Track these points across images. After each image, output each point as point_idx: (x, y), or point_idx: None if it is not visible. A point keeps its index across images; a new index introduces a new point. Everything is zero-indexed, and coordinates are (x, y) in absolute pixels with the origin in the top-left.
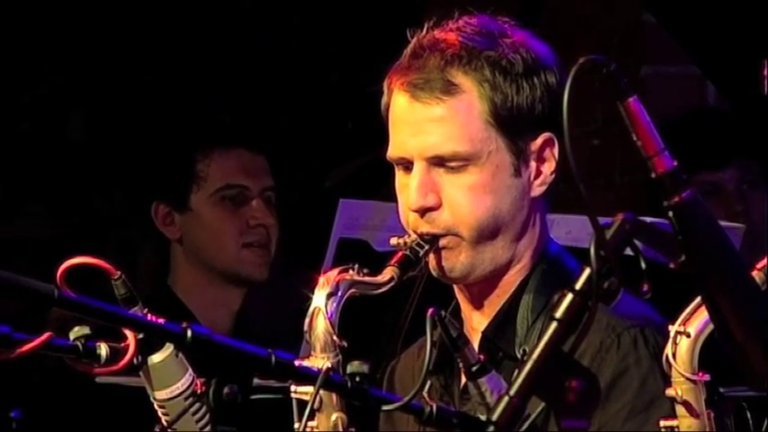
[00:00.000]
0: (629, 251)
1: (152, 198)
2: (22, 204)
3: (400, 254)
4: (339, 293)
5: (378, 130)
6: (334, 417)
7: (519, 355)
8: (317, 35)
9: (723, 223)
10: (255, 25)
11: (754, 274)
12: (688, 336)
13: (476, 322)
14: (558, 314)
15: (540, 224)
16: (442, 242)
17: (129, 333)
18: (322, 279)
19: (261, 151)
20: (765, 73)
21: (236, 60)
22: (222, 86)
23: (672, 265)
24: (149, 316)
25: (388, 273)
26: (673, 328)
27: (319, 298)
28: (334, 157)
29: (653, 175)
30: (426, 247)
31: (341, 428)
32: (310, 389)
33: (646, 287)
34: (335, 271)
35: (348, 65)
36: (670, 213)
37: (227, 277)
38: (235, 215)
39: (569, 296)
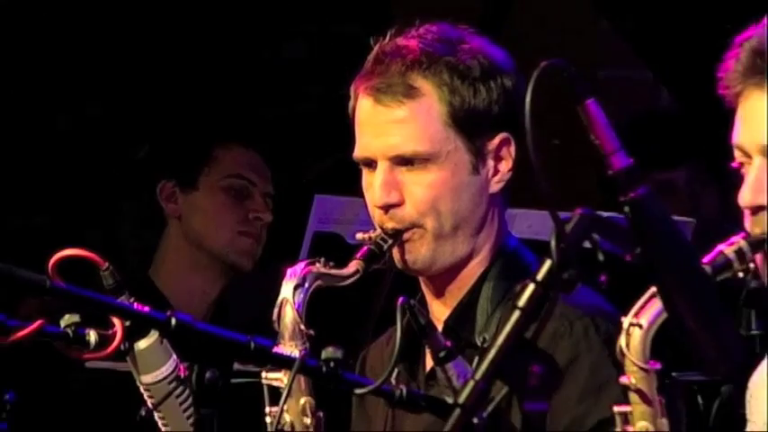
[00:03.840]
0: (587, 244)
1: (161, 174)
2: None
3: (365, 248)
4: (306, 285)
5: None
6: (302, 400)
7: (479, 343)
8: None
9: (675, 218)
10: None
11: (705, 265)
12: (640, 327)
13: (438, 312)
14: (521, 303)
15: (498, 219)
16: (406, 236)
17: (116, 321)
18: (289, 271)
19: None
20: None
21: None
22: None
23: (627, 258)
24: (136, 304)
25: (354, 266)
26: (626, 320)
27: (287, 289)
28: (311, 155)
29: (610, 173)
30: (390, 241)
31: (309, 412)
32: (281, 375)
33: (602, 278)
34: (302, 264)
35: (326, 71)
36: (626, 208)
37: (215, 260)
38: (237, 205)
39: (531, 286)
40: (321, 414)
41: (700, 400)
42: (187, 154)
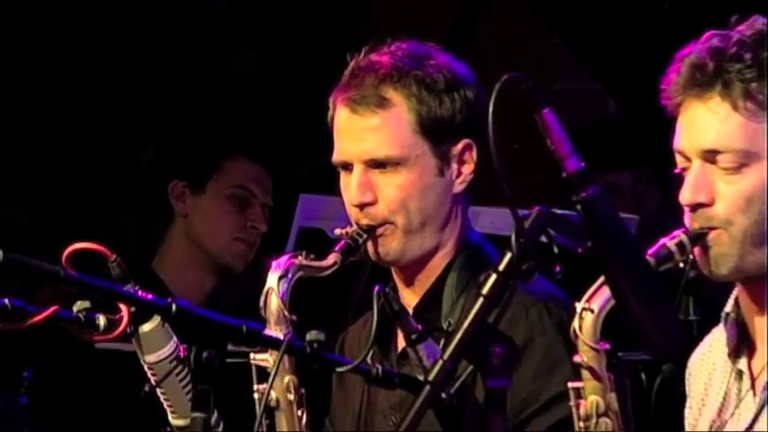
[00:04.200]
0: (543, 238)
1: (174, 175)
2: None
3: (343, 242)
4: (289, 276)
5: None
6: (286, 379)
7: (445, 327)
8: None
9: (622, 215)
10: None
11: (648, 257)
12: (592, 311)
13: (409, 299)
14: (484, 291)
15: (462, 216)
16: (379, 231)
17: (123, 307)
18: (275, 263)
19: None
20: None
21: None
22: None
23: (579, 251)
24: (140, 292)
25: (332, 258)
26: (579, 306)
27: (272, 280)
28: (296, 159)
29: (564, 175)
30: (365, 236)
31: (293, 389)
32: (267, 356)
33: (557, 269)
34: (286, 256)
35: (310, 85)
36: (578, 206)
37: (210, 260)
38: (238, 213)
39: (493, 276)
40: (303, 391)
41: (643, 377)
42: (201, 160)
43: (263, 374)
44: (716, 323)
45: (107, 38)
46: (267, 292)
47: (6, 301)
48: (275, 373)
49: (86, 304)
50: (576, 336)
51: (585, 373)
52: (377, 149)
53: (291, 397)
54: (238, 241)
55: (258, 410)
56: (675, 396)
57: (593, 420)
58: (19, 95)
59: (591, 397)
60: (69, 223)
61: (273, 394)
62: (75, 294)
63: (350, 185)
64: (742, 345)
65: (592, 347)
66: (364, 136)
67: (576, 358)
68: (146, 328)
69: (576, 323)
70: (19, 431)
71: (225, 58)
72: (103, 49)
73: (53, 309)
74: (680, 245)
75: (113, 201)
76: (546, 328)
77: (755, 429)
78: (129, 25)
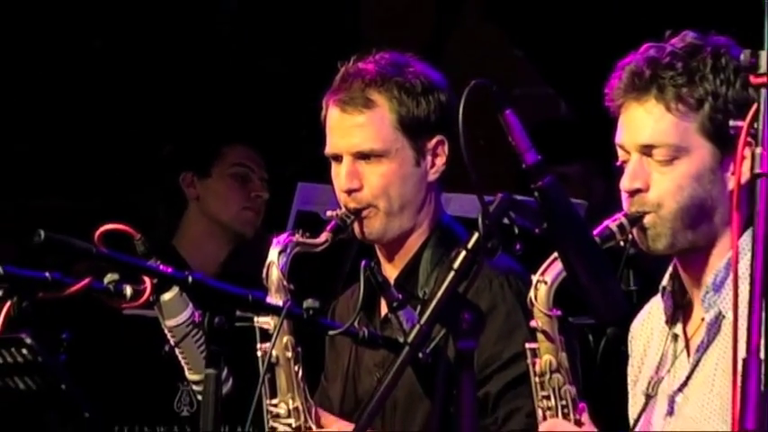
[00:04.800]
0: (506, 221)
1: (183, 167)
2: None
3: (333, 222)
4: (288, 251)
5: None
6: (285, 339)
7: (422, 296)
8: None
9: (572, 201)
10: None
11: (595, 236)
12: (546, 283)
13: (390, 272)
14: (455, 265)
15: (435, 201)
16: (364, 213)
17: (146, 279)
18: (275, 240)
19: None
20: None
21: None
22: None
23: (536, 231)
24: (161, 266)
25: (324, 236)
26: (535, 278)
27: (273, 254)
28: (295, 152)
29: (523, 166)
30: (352, 217)
31: (290, 347)
32: (268, 319)
33: (517, 246)
34: (285, 234)
35: (308, 85)
36: (535, 193)
37: (225, 230)
38: (241, 187)
39: (463, 253)
40: (299, 349)
41: (591, 339)
42: (203, 151)
43: (264, 335)
44: (653, 292)
45: (128, 48)
46: (269, 265)
47: (47, 273)
48: (277, 335)
49: (115, 276)
50: (533, 304)
51: (540, 336)
52: (363, 143)
53: (289, 354)
54: (246, 210)
55: (261, 366)
56: (618, 356)
57: (547, 376)
58: (64, 102)
59: (545, 356)
60: (101, 208)
61: (274, 352)
62: (106, 268)
63: (339, 174)
64: (677, 312)
65: (546, 314)
66: (352, 132)
67: (532, 323)
68: (166, 297)
69: (532, 293)
70: (58, 384)
71: (230, 63)
72: (122, 59)
73: (87, 280)
74: (620, 226)
75: (139, 188)
76: (506, 297)
77: (690, 384)
78: (149, 35)
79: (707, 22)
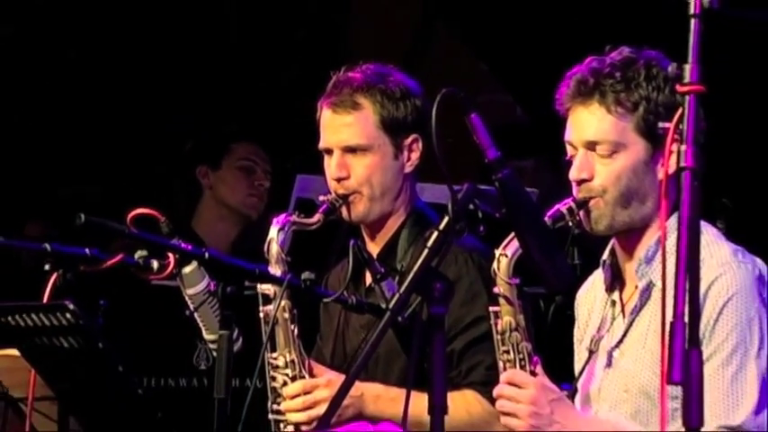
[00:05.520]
0: (471, 206)
1: (199, 162)
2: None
3: (324, 206)
4: (286, 229)
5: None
6: (283, 303)
7: (400, 269)
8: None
9: (526, 189)
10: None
11: (546, 219)
12: (506, 256)
13: (372, 249)
14: (429, 244)
15: (411, 189)
16: (350, 198)
17: (170, 254)
18: (275, 220)
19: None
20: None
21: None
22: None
23: (497, 215)
24: (182, 244)
25: (316, 217)
26: (497, 252)
27: (273, 232)
28: (294, 148)
29: (486, 161)
30: (340, 201)
31: (287, 310)
32: (269, 286)
33: (481, 228)
34: (284, 215)
35: (304, 93)
36: (496, 183)
37: (234, 213)
38: (247, 177)
39: (435, 233)
40: (295, 311)
41: (542, 305)
42: (215, 148)
43: (266, 299)
44: (595, 266)
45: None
46: (269, 241)
47: (87, 250)
48: (279, 301)
49: (144, 253)
50: (495, 273)
51: (502, 300)
52: (350, 139)
53: (287, 315)
54: (251, 196)
55: (263, 326)
56: (565, 319)
57: (508, 334)
58: (96, 100)
59: (505, 317)
60: (132, 195)
61: (273, 313)
62: (136, 245)
63: (330, 165)
64: (615, 282)
65: (507, 282)
66: (342, 130)
67: (495, 289)
68: (186, 269)
69: (495, 264)
70: (96, 343)
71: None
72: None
73: (120, 256)
74: (570, 209)
75: (165, 178)
76: (470, 270)
77: (625, 341)
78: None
79: (640, 38)
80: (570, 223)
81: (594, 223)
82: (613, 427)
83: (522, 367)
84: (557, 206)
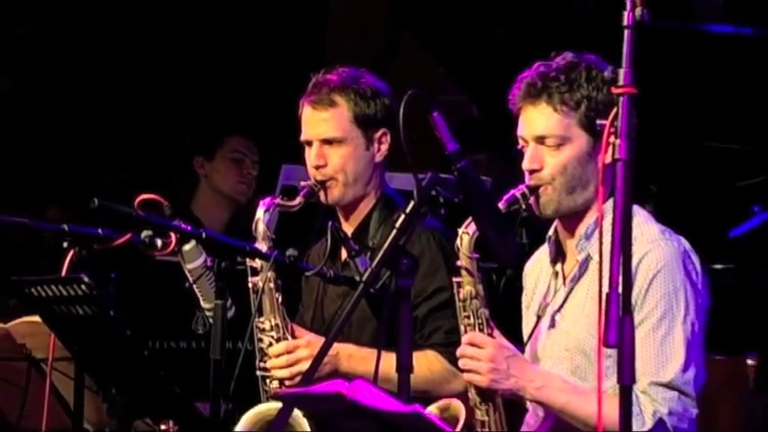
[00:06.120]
0: (433, 192)
1: (196, 154)
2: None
3: (305, 190)
4: (271, 210)
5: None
6: (269, 275)
7: (371, 246)
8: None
9: (482, 178)
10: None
11: (501, 203)
12: (468, 234)
13: (347, 229)
14: (397, 225)
15: (380, 177)
16: (327, 184)
17: (172, 234)
18: (261, 202)
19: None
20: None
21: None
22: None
23: (456, 200)
24: (183, 225)
25: (298, 200)
26: (460, 230)
27: (260, 213)
28: (280, 141)
29: (446, 153)
30: (319, 186)
31: (272, 280)
32: (258, 261)
33: (442, 211)
34: (269, 198)
35: (288, 93)
36: (455, 173)
37: (226, 198)
38: (237, 167)
39: (402, 215)
40: (279, 282)
41: (494, 277)
42: (210, 142)
43: (254, 272)
44: (540, 244)
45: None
46: (256, 221)
47: (99, 230)
48: (266, 273)
49: (149, 232)
50: (458, 249)
51: (463, 272)
52: (328, 132)
53: (272, 286)
54: (241, 183)
55: (252, 295)
56: (515, 289)
57: (468, 302)
58: (106, 101)
59: (467, 287)
60: (139, 182)
61: (260, 284)
62: (143, 226)
63: (310, 155)
64: (558, 256)
65: (468, 256)
66: (320, 124)
67: (458, 263)
68: (186, 247)
69: (458, 241)
70: (108, 311)
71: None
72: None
73: (128, 235)
74: (523, 194)
75: (168, 168)
76: (431, 247)
77: (566, 306)
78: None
79: (581, 44)
80: (523, 206)
81: (543, 207)
82: (564, 381)
83: (481, 330)
84: (512, 191)
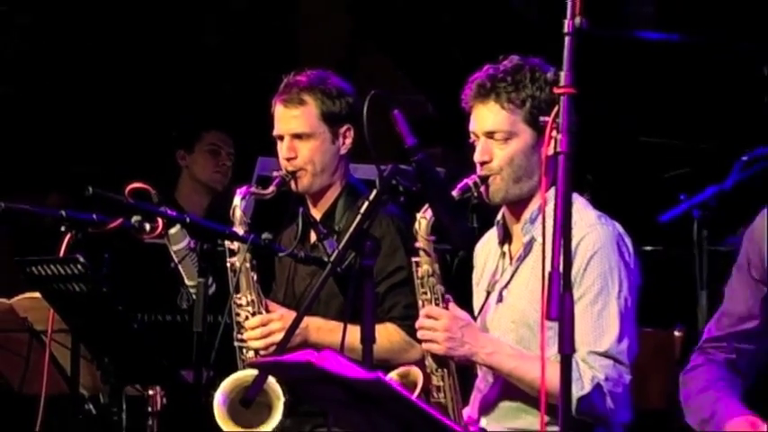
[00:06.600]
0: (394, 182)
1: (178, 147)
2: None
3: (277, 179)
4: (247, 198)
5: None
6: (245, 255)
7: (337, 230)
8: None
9: (437, 169)
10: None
11: (455, 191)
12: (426, 218)
13: (316, 215)
14: (362, 210)
15: (345, 168)
16: (298, 174)
17: (159, 219)
18: (238, 191)
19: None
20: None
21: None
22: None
23: (414, 189)
24: (168, 210)
25: (271, 189)
26: (419, 215)
27: (237, 200)
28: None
29: (405, 146)
30: (290, 176)
31: (248, 260)
32: (235, 243)
33: (402, 199)
34: (245, 186)
35: (261, 94)
36: (414, 164)
37: (204, 187)
38: (214, 158)
39: (366, 202)
40: (255, 262)
41: (448, 258)
42: (189, 136)
43: (232, 253)
44: (489, 228)
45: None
46: (234, 208)
47: (94, 215)
48: (243, 254)
49: (138, 217)
50: (416, 232)
51: (422, 253)
52: (297, 128)
53: (248, 265)
54: (216, 173)
55: (230, 274)
56: (466, 268)
57: (426, 279)
58: (101, 97)
59: (424, 266)
60: (129, 172)
61: (237, 263)
62: (133, 212)
63: (282, 148)
64: (506, 238)
65: (425, 238)
66: (291, 121)
67: (417, 244)
68: (172, 231)
69: (416, 225)
70: (101, 288)
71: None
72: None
73: (120, 220)
74: (475, 183)
75: (156, 160)
76: (391, 231)
77: (512, 282)
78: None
79: (526, 49)
80: (474, 194)
81: (493, 195)
82: (512, 348)
83: (437, 304)
84: (465, 180)
